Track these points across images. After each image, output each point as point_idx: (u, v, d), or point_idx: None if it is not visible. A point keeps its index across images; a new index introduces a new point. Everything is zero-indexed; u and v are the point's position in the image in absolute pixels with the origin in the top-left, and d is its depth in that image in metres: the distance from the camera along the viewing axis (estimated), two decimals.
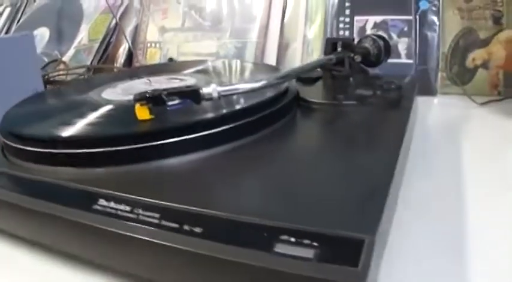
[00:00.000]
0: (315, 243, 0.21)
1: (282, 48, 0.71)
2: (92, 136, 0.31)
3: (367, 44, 0.43)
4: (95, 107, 0.37)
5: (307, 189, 0.26)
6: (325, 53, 0.43)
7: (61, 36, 0.91)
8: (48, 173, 0.30)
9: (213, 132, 0.31)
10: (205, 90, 0.32)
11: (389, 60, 0.64)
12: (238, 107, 0.34)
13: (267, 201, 0.25)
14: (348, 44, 0.42)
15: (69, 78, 0.78)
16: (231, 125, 0.32)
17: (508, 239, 0.28)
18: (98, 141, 0.30)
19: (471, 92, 0.62)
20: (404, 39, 0.65)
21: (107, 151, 0.30)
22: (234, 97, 0.35)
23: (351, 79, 0.42)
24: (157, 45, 0.81)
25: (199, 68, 0.51)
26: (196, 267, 0.22)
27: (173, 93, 0.32)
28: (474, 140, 0.47)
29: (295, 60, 0.69)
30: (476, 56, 0.65)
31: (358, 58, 0.41)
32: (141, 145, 0.30)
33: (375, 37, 0.45)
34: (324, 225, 0.21)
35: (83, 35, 0.87)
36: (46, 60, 0.85)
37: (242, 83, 0.33)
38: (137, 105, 0.32)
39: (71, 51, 0.86)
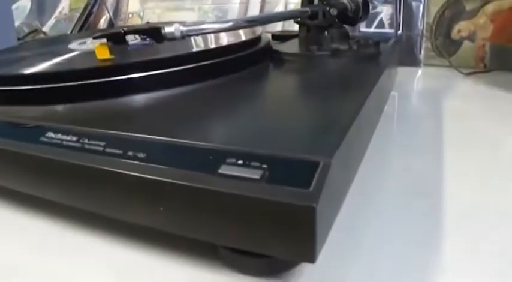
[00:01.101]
0: (264, 166, 0.19)
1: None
2: (46, 72, 0.30)
3: (345, 0, 0.42)
4: (57, 53, 0.36)
5: (265, 122, 0.24)
6: (302, 6, 0.42)
7: (42, 7, 0.89)
8: (7, 113, 0.29)
9: (172, 71, 0.30)
10: (167, 29, 0.30)
11: (373, 30, 0.63)
12: (202, 48, 0.33)
13: (220, 130, 0.24)
14: None
15: None
16: (194, 65, 0.30)
17: (485, 200, 0.27)
18: (53, 77, 0.29)
19: (456, 64, 0.61)
20: (388, 9, 0.63)
21: (62, 87, 0.28)
22: (205, 39, 0.34)
23: (326, 33, 0.40)
24: (138, 15, 0.79)
25: None
26: (140, 192, 0.21)
27: (133, 31, 0.30)
28: (457, 108, 0.46)
29: (277, 24, 0.67)
30: (462, 27, 0.64)
31: (333, 11, 0.39)
32: (95, 81, 0.28)
33: None
34: (276, 149, 0.20)
35: (64, 5, 0.85)
36: (26, 30, 0.83)
37: (208, 23, 0.32)
38: (97, 45, 0.31)
39: (51, 21, 0.84)
